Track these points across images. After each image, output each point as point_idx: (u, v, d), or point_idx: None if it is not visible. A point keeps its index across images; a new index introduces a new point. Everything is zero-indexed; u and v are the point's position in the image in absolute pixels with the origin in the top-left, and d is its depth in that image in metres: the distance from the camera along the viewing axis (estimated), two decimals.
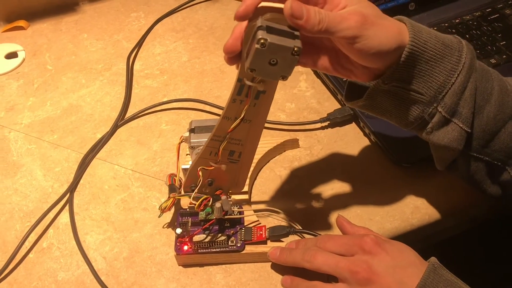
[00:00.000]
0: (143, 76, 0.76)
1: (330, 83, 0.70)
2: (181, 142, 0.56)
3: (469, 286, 0.44)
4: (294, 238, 0.55)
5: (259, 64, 0.39)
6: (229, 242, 0.53)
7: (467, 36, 0.73)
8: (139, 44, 0.81)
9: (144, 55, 0.80)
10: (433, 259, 0.46)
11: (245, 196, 0.57)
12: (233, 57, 0.43)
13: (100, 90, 0.75)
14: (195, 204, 0.50)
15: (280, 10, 0.40)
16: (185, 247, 0.53)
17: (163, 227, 0.58)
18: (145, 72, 0.77)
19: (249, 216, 0.56)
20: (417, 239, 0.56)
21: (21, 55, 0.81)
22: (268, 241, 0.54)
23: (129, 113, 0.71)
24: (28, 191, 0.63)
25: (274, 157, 0.64)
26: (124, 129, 0.69)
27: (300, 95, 0.71)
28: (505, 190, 0.52)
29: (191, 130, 0.56)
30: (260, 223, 0.55)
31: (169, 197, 0.53)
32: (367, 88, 0.48)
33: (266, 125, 0.65)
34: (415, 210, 0.58)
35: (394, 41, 0.43)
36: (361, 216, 0.57)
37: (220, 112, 0.70)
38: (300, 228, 0.56)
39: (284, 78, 0.41)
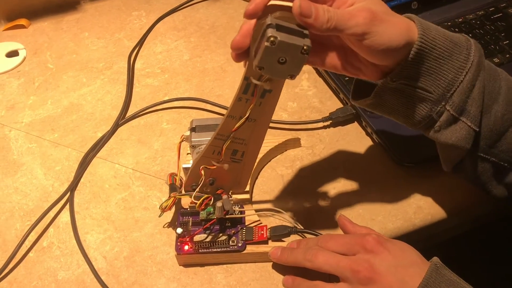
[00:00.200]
0: (144, 74, 0.76)
1: (332, 82, 0.70)
2: (182, 141, 0.56)
3: (472, 286, 0.44)
4: (295, 238, 0.55)
5: (268, 62, 0.39)
6: (230, 242, 0.53)
7: (470, 35, 0.72)
8: (140, 42, 0.81)
9: (145, 53, 0.79)
10: (435, 258, 0.45)
11: (246, 196, 0.57)
12: (241, 54, 0.42)
13: (101, 89, 0.74)
14: (196, 203, 0.49)
15: (289, 9, 0.40)
16: (186, 247, 0.53)
17: (163, 227, 0.57)
18: (146, 70, 0.77)
19: (250, 216, 0.55)
20: (419, 239, 0.56)
21: (22, 53, 0.80)
22: (270, 241, 0.54)
23: (130, 112, 0.71)
24: (28, 190, 0.63)
25: (276, 156, 0.64)
26: (125, 128, 0.69)
27: (302, 94, 0.71)
28: (510, 192, 0.52)
29: (192, 129, 0.56)
30: (261, 223, 0.55)
31: (169, 196, 0.53)
32: (373, 87, 0.48)
33: None
34: (417, 210, 0.57)
35: (403, 37, 0.43)
36: (363, 216, 0.57)
37: (221, 111, 0.69)
38: (302, 227, 0.55)
39: (292, 77, 0.40)
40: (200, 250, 0.53)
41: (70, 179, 0.63)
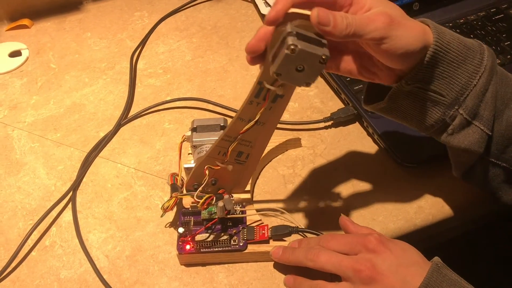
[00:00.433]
0: (147, 75, 0.76)
1: (334, 82, 0.70)
2: (183, 141, 0.56)
3: (473, 286, 0.44)
4: (296, 237, 0.55)
5: (286, 70, 0.39)
6: (232, 242, 0.53)
7: (472, 36, 0.73)
8: (143, 43, 0.81)
9: (147, 54, 0.80)
10: (436, 258, 0.46)
11: (248, 195, 0.57)
12: (255, 57, 0.43)
13: (103, 89, 0.75)
14: (198, 202, 0.50)
15: (307, 17, 0.40)
16: (187, 246, 0.53)
17: (165, 227, 0.58)
18: (148, 71, 0.77)
19: (251, 215, 0.55)
20: (420, 239, 0.56)
21: (25, 53, 0.81)
22: (271, 240, 0.54)
23: (132, 112, 0.71)
24: (31, 189, 0.63)
25: (276, 156, 0.64)
26: (127, 128, 0.69)
27: (304, 94, 0.71)
28: None
29: (193, 129, 0.56)
30: (262, 222, 0.55)
31: (171, 196, 0.53)
32: (386, 92, 0.48)
33: None
34: (418, 210, 0.57)
35: (420, 41, 0.43)
36: (364, 216, 0.57)
37: (223, 111, 0.69)
38: (303, 227, 0.55)
39: (308, 84, 0.41)
40: (201, 250, 0.53)
41: (72, 179, 0.63)
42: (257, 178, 0.62)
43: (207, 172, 0.48)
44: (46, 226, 0.59)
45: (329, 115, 0.66)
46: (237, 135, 0.47)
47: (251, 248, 0.53)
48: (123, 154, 0.66)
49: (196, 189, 0.50)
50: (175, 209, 0.56)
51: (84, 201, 0.61)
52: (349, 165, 0.62)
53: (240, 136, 0.47)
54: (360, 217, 0.57)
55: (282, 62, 0.39)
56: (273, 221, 0.57)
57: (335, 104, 0.70)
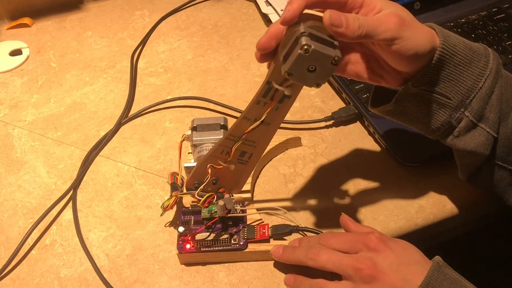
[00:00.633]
0: (147, 74, 0.76)
1: (335, 82, 0.70)
2: (183, 140, 0.56)
3: (473, 285, 0.44)
4: (297, 236, 0.55)
5: (298, 69, 0.40)
6: (232, 241, 0.53)
7: (473, 35, 0.73)
8: (143, 42, 0.81)
9: (148, 53, 0.80)
10: (437, 257, 0.45)
11: (248, 195, 0.57)
12: (265, 55, 0.43)
13: (104, 88, 0.75)
14: (199, 200, 0.49)
15: (319, 19, 0.41)
16: (188, 246, 0.53)
17: (165, 226, 0.58)
18: (149, 70, 0.77)
19: (252, 215, 0.55)
20: (421, 238, 0.56)
21: (26, 52, 0.81)
22: (271, 240, 0.54)
23: (132, 111, 0.71)
24: (31, 188, 0.63)
25: (277, 156, 0.64)
26: (127, 127, 0.69)
27: (305, 93, 0.71)
28: None
29: (193, 128, 0.56)
30: (263, 222, 0.55)
31: (171, 195, 0.53)
32: (391, 95, 0.49)
33: None
34: (419, 210, 0.57)
35: (429, 43, 0.44)
36: (365, 215, 0.57)
37: (223, 110, 0.69)
38: (303, 226, 0.55)
39: (318, 85, 0.41)
40: (202, 249, 0.53)
41: (73, 177, 0.63)
42: (258, 177, 0.62)
43: (209, 170, 0.48)
44: (47, 224, 0.59)
45: (330, 114, 0.66)
46: (242, 135, 0.47)
47: (251, 247, 0.53)
48: (123, 153, 0.66)
49: (196, 188, 0.50)
50: (175, 208, 0.56)
51: (85, 200, 0.61)
52: (350, 164, 0.62)
53: (245, 136, 0.47)
54: (361, 216, 0.57)
55: (295, 61, 0.39)
56: (273, 220, 0.57)
57: (336, 103, 0.70)
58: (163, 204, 0.52)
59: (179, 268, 0.54)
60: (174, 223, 0.57)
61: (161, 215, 0.53)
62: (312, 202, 0.59)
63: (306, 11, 0.41)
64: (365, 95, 0.66)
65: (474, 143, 0.47)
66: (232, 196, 0.52)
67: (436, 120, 0.48)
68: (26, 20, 0.85)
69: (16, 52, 0.81)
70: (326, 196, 0.59)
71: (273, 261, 0.54)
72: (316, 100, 0.70)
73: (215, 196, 0.50)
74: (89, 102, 0.73)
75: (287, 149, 0.64)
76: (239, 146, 0.47)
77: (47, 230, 0.59)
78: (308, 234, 0.55)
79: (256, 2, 0.84)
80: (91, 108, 0.72)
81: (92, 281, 0.54)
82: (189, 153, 0.60)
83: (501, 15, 0.75)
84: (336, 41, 0.41)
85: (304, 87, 0.44)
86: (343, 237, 0.49)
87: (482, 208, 0.58)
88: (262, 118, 0.46)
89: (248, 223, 0.55)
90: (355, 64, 0.48)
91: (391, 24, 0.41)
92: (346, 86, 0.68)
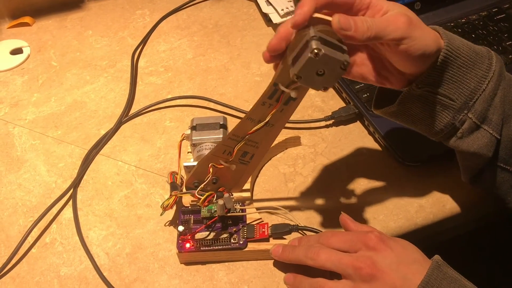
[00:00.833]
0: (148, 73, 0.76)
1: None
2: (183, 139, 0.56)
3: (473, 284, 0.44)
4: (296, 235, 0.55)
5: (307, 73, 0.40)
6: (232, 240, 0.53)
7: (473, 35, 0.73)
8: (144, 41, 0.81)
9: (148, 52, 0.80)
10: (437, 256, 0.46)
11: (248, 194, 0.57)
12: (275, 56, 0.43)
13: (104, 87, 0.75)
14: (199, 199, 0.49)
15: (328, 22, 0.41)
16: (187, 245, 0.53)
17: (164, 225, 0.58)
18: (149, 69, 0.77)
19: (251, 214, 0.55)
20: (421, 238, 0.56)
21: (26, 51, 0.81)
22: (271, 239, 0.54)
23: (133, 110, 0.71)
24: (31, 186, 0.63)
25: (276, 155, 0.64)
26: (128, 126, 0.69)
27: None
28: None
29: (193, 128, 0.56)
30: (262, 221, 0.55)
31: (170, 195, 0.53)
32: (394, 97, 0.49)
33: None
34: (419, 209, 0.57)
35: (436, 44, 0.44)
36: (365, 215, 0.57)
37: (224, 109, 0.69)
38: (303, 225, 0.55)
39: (326, 89, 0.41)
40: (201, 248, 0.53)
41: (73, 176, 0.63)
42: (257, 176, 0.62)
43: (211, 170, 0.48)
44: (47, 223, 0.59)
45: (330, 113, 0.66)
46: (245, 135, 0.47)
47: (251, 246, 0.53)
48: (123, 152, 0.66)
49: (196, 187, 0.50)
50: (175, 207, 0.56)
51: (85, 199, 0.61)
52: (350, 163, 0.62)
53: (248, 137, 0.47)
54: (361, 215, 0.57)
55: (305, 65, 0.39)
56: (273, 219, 0.57)
57: (336, 103, 0.70)
58: (162, 203, 0.52)
59: (179, 267, 0.54)
60: (173, 222, 0.58)
61: (161, 214, 0.53)
62: (312, 201, 0.59)
63: (315, 15, 0.41)
64: (365, 95, 0.66)
65: (477, 144, 0.48)
66: (232, 195, 0.52)
67: (439, 121, 0.48)
68: (27, 19, 0.85)
69: (16, 51, 0.81)
70: (325, 195, 0.59)
71: (273, 260, 0.54)
72: (316, 100, 0.70)
73: (215, 195, 0.50)
74: (90, 101, 0.73)
75: (286, 148, 0.64)
76: (241, 147, 0.47)
77: (47, 229, 0.59)
78: (308, 233, 0.55)
79: (257, 1, 0.84)
80: (92, 107, 0.72)
81: (92, 280, 0.54)
82: (188, 152, 0.60)
83: (502, 15, 0.75)
84: (344, 45, 0.41)
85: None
86: (342, 236, 0.49)
87: (482, 207, 0.58)
88: (267, 120, 0.46)
89: (247, 222, 0.55)
90: (360, 66, 0.48)
91: (400, 24, 0.42)
92: (346, 85, 0.68)
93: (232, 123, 0.55)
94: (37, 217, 0.58)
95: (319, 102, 0.70)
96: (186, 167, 0.55)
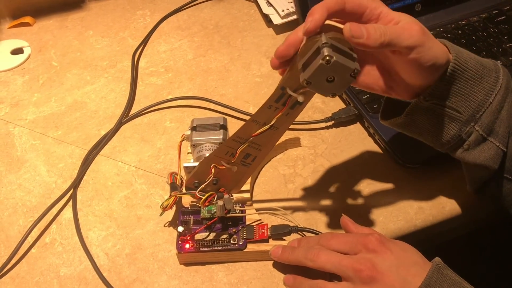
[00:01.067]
0: (148, 73, 0.76)
1: None
2: (183, 140, 0.56)
3: (473, 286, 0.44)
4: (296, 236, 0.55)
5: (317, 79, 0.40)
6: (231, 240, 0.53)
7: (474, 38, 0.73)
8: (145, 41, 0.81)
9: (149, 52, 0.80)
10: (437, 259, 0.46)
11: (247, 195, 0.57)
12: (283, 62, 0.44)
13: (104, 87, 0.75)
14: (200, 199, 0.49)
15: (339, 30, 0.41)
16: (187, 246, 0.53)
17: (164, 226, 0.58)
18: (150, 69, 0.77)
19: (251, 215, 0.55)
20: (421, 240, 0.56)
21: (27, 51, 0.81)
22: (270, 240, 0.54)
23: (133, 110, 0.71)
24: (31, 187, 0.63)
25: (276, 156, 0.64)
26: (128, 126, 0.69)
27: None
28: None
29: (193, 128, 0.56)
30: (262, 222, 0.55)
31: (170, 195, 0.53)
32: (401, 108, 0.49)
33: None
34: (419, 211, 0.57)
35: (445, 56, 0.44)
36: (364, 216, 0.57)
37: (224, 110, 0.70)
38: (303, 226, 0.55)
39: (334, 95, 0.42)
40: (201, 249, 0.53)
41: (73, 176, 0.63)
42: (257, 177, 0.62)
43: (213, 170, 0.48)
44: (46, 223, 0.59)
45: (330, 115, 0.66)
46: (249, 137, 0.47)
47: (250, 247, 0.53)
48: (124, 152, 0.66)
49: (196, 188, 0.50)
50: (174, 208, 0.56)
51: (85, 199, 0.61)
52: (350, 165, 0.62)
53: (252, 139, 0.47)
54: (360, 217, 0.57)
55: (315, 71, 0.39)
56: (273, 220, 0.57)
57: (336, 104, 0.70)
58: (162, 204, 0.52)
59: (179, 268, 0.54)
60: (173, 223, 0.58)
61: (160, 215, 0.53)
62: (312, 202, 0.59)
63: (328, 22, 0.41)
64: (365, 96, 0.66)
65: (483, 156, 0.48)
66: (232, 196, 0.52)
67: (446, 133, 0.48)
68: (27, 19, 0.85)
69: (17, 51, 0.81)
70: (325, 196, 0.59)
71: (272, 261, 0.54)
72: (316, 101, 0.70)
73: (215, 196, 0.51)
74: (90, 101, 0.73)
75: (286, 149, 0.64)
76: (244, 148, 0.47)
77: (47, 229, 0.59)
78: (308, 234, 0.55)
79: (257, 2, 0.84)
80: (92, 107, 0.72)
81: (91, 280, 0.54)
82: (188, 153, 0.60)
83: (502, 17, 0.75)
84: (355, 53, 0.41)
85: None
86: (342, 238, 0.49)
87: (481, 209, 0.58)
88: (272, 123, 0.46)
89: (247, 223, 0.55)
90: (367, 76, 0.49)
91: (414, 32, 0.42)
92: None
93: (232, 124, 0.55)
94: (37, 217, 0.58)
95: (319, 103, 0.70)
96: (186, 168, 0.55)
